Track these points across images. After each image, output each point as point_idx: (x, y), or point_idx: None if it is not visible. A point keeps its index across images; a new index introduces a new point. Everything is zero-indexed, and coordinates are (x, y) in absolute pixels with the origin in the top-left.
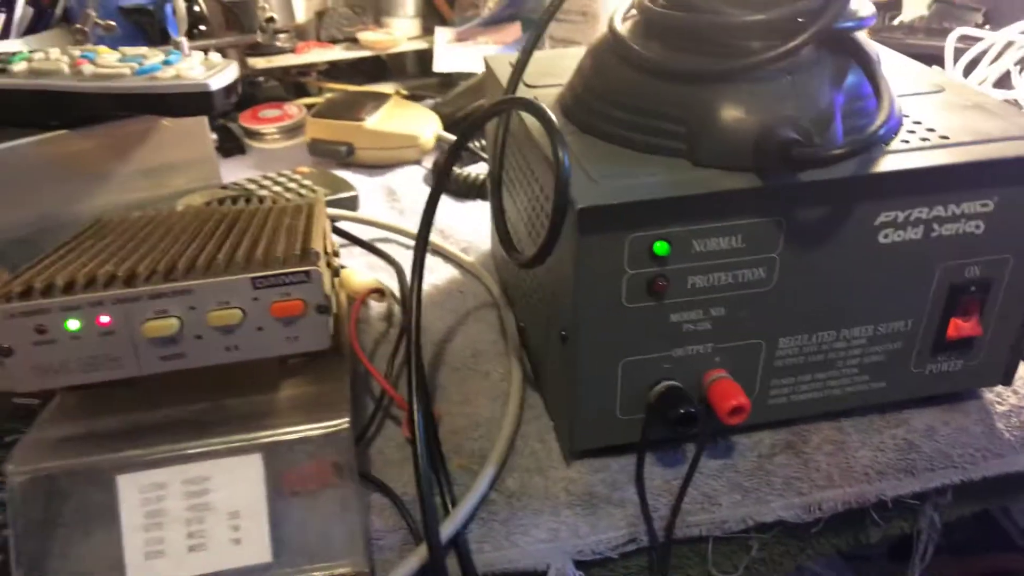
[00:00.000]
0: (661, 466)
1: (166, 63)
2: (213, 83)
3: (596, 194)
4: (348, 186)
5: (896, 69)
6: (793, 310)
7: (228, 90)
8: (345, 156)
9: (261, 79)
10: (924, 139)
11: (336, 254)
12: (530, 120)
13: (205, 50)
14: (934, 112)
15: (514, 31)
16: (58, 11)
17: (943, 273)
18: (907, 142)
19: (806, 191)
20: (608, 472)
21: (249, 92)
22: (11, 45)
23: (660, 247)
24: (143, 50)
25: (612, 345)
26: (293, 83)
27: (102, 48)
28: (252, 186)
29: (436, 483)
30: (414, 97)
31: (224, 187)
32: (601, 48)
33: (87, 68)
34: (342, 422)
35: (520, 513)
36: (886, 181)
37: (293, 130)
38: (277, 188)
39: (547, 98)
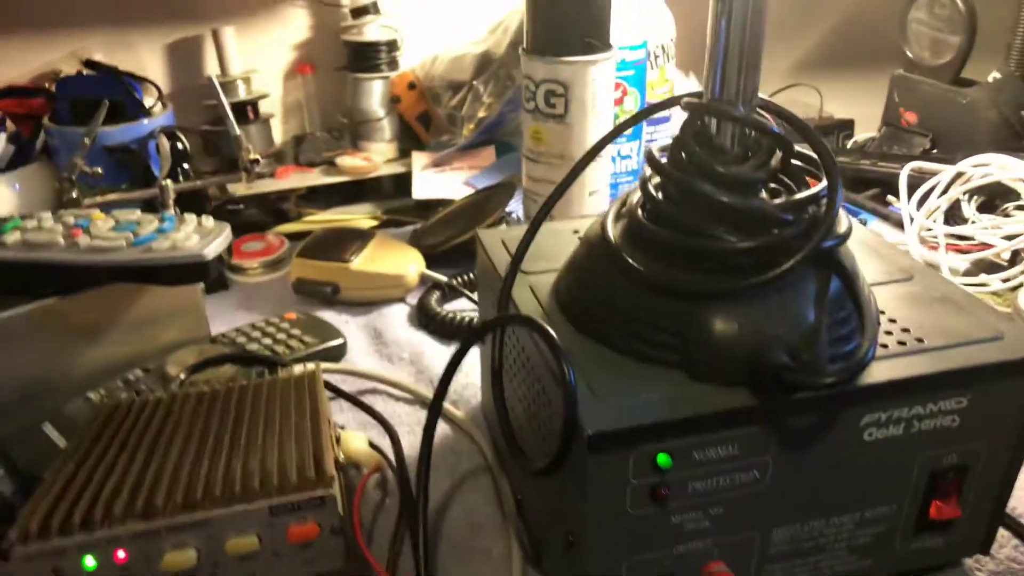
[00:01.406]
0: None
1: (160, 231)
2: (209, 252)
3: (603, 417)
4: (336, 333)
5: (866, 248)
6: (785, 504)
7: (222, 257)
8: (331, 296)
9: (241, 206)
10: (901, 343)
11: (337, 440)
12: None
13: (190, 192)
14: (906, 307)
15: (488, 155)
16: (38, 145)
17: (923, 462)
18: (886, 347)
19: (798, 406)
20: None
21: (229, 219)
22: None
23: (662, 459)
24: (135, 214)
25: (616, 547)
26: (272, 208)
27: (96, 214)
28: (242, 339)
29: None
30: (392, 222)
31: (214, 340)
32: (595, 247)
33: (83, 240)
34: None
35: None
36: (870, 391)
37: (276, 263)
38: (267, 340)
39: (543, 287)
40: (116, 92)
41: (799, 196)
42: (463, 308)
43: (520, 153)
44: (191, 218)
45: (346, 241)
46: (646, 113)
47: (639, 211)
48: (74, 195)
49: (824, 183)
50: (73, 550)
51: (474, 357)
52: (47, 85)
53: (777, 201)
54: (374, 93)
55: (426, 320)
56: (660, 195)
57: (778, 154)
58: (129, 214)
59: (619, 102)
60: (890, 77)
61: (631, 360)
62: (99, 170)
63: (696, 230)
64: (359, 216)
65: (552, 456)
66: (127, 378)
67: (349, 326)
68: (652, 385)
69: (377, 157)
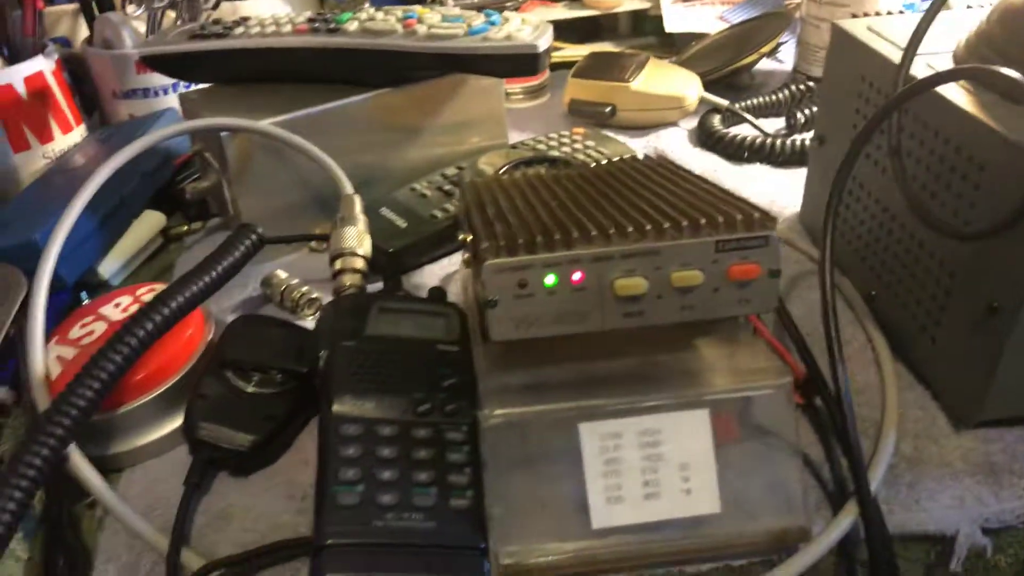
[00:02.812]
0: None
1: (490, 24)
2: (541, 44)
3: None
4: (626, 148)
5: None
6: None
7: (548, 52)
8: (608, 117)
9: None
10: None
11: None
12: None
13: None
14: None
15: None
16: None
17: None
18: None
19: None
20: (1003, 442)
21: None
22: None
23: None
24: (457, 10)
25: None
26: None
27: (420, 8)
28: (541, 146)
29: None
30: None
31: (514, 147)
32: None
33: (419, 28)
34: (784, 381)
35: (923, 478)
36: None
37: (537, 91)
38: (566, 149)
39: (938, 66)
40: None
41: None
42: (748, 131)
43: None
44: (514, 15)
45: (622, 62)
46: None
47: None
48: None
49: None
50: (537, 266)
51: (762, 173)
52: None
53: None
54: None
55: (712, 141)
56: None
57: None
58: (451, 10)
59: None
60: None
61: None
62: None
63: None
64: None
65: (1011, 214)
66: (444, 173)
67: (629, 146)
68: None
69: None
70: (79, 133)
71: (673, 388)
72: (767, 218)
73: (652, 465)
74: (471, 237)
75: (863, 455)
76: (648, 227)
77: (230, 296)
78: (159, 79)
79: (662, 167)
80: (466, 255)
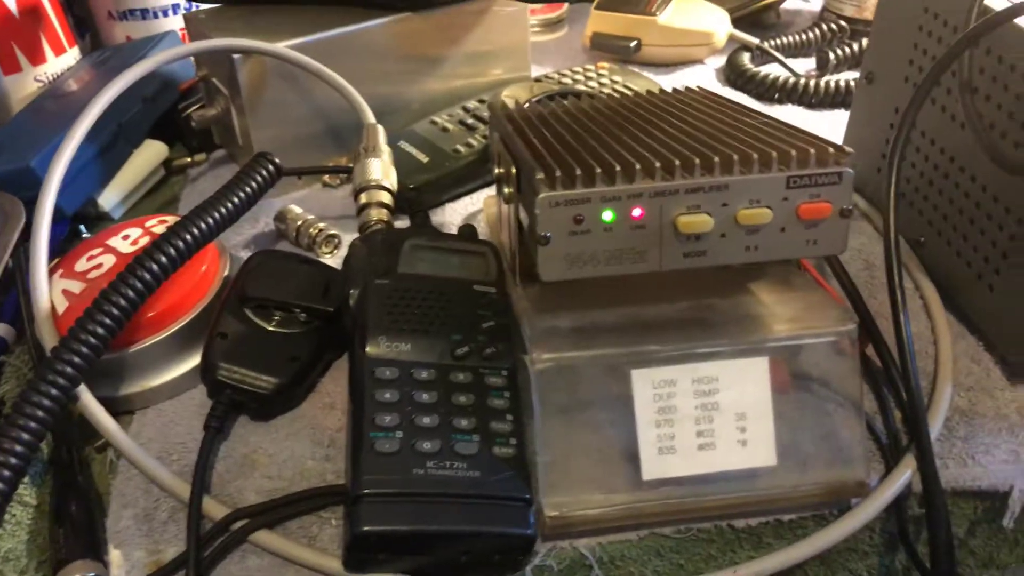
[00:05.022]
0: None
1: None
2: None
3: None
4: (655, 85)
5: None
6: None
7: None
8: (632, 52)
9: None
10: None
11: None
12: None
13: None
14: None
15: None
16: None
17: None
18: None
19: None
20: None
21: None
22: None
23: None
24: None
25: None
26: None
27: None
28: (566, 80)
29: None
30: None
31: (537, 80)
32: None
33: None
34: (849, 328)
35: (978, 432)
36: None
37: (554, 24)
38: (592, 84)
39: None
40: None
41: None
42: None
43: None
44: None
45: None
46: None
47: None
48: None
49: None
50: (595, 200)
51: (790, 113)
52: None
53: None
54: None
55: (742, 80)
56: None
57: None
58: None
59: None
60: None
61: None
62: None
63: None
64: None
65: None
66: (465, 106)
67: (657, 82)
68: None
69: None
70: (72, 56)
71: (731, 334)
72: (841, 153)
73: (707, 414)
74: (515, 169)
75: (924, 407)
76: (716, 160)
77: (240, 231)
78: None
79: (711, 99)
80: (507, 189)
